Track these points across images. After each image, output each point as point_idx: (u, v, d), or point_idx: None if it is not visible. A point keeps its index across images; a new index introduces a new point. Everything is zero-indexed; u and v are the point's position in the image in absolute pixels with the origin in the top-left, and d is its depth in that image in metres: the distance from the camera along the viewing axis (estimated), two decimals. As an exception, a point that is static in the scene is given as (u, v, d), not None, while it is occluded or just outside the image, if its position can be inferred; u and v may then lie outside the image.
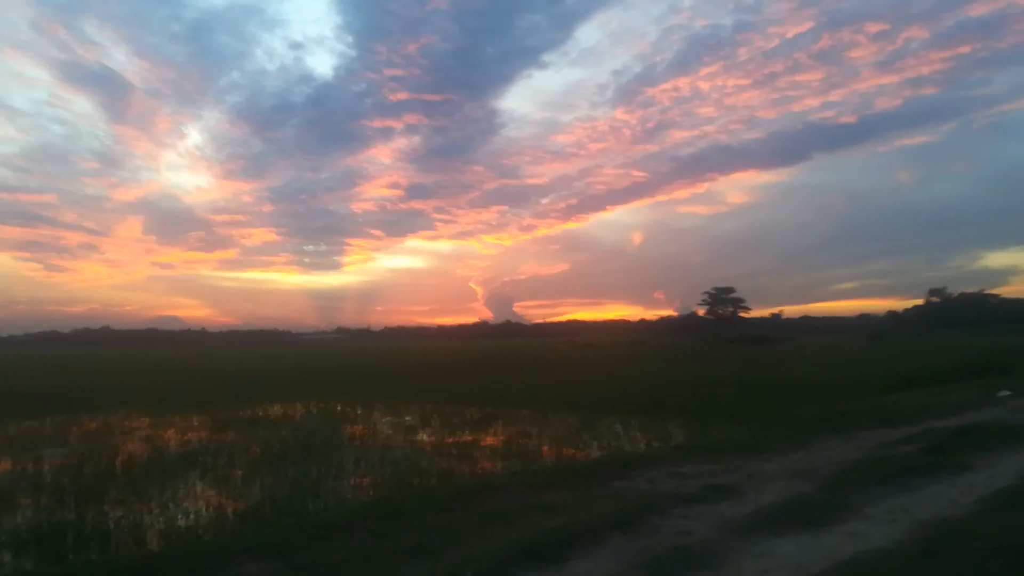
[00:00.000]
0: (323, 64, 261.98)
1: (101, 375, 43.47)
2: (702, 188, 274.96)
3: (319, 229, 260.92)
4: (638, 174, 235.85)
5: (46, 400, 25.39)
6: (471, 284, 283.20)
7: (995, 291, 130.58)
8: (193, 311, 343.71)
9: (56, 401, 24.84)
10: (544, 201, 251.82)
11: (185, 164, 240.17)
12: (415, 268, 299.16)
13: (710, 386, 26.49)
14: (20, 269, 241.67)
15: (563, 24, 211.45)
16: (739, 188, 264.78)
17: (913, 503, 7.66)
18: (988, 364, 30.35)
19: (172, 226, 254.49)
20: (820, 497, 7.99)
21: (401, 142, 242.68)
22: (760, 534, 6.53)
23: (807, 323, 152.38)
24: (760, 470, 9.65)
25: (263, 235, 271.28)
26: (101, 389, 30.71)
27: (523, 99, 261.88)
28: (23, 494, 10.60)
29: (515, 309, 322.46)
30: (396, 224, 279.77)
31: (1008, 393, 18.41)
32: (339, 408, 22.20)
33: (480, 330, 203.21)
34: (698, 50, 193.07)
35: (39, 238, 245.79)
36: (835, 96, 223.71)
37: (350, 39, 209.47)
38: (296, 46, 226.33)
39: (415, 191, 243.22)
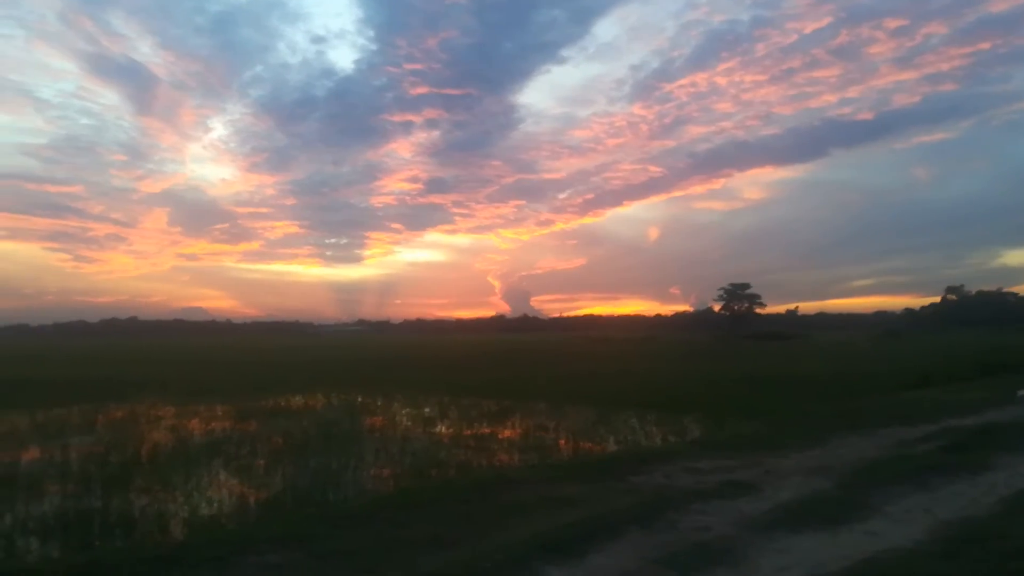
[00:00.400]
0: (344, 58, 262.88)
1: (128, 365, 43.98)
2: (719, 184, 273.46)
3: (340, 222, 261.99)
4: (655, 169, 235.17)
5: (74, 388, 25.71)
6: (489, 278, 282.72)
7: (1013, 289, 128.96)
8: (217, 302, 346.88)
9: (84, 390, 25.13)
10: (561, 196, 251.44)
11: (210, 156, 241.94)
12: (434, 262, 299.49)
13: (725, 382, 26.28)
14: (49, 260, 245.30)
15: (581, 19, 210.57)
16: (756, 184, 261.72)
17: (933, 502, 7.53)
18: (1006, 362, 29.90)
19: (197, 218, 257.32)
20: (838, 495, 7.88)
21: (421, 136, 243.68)
22: (778, 531, 6.45)
23: (823, 320, 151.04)
24: (777, 466, 9.54)
25: (286, 228, 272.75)
26: (128, 378, 31.05)
27: (541, 94, 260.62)
28: (51, 481, 10.71)
29: (532, 303, 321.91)
30: (415, 218, 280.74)
31: (1027, 392, 18.08)
32: (359, 399, 22.27)
33: (497, 324, 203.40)
34: (716, 45, 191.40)
35: (67, 229, 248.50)
36: (853, 92, 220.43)
37: (371, 33, 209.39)
38: (318, 40, 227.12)
39: (434, 185, 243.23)
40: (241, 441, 14.11)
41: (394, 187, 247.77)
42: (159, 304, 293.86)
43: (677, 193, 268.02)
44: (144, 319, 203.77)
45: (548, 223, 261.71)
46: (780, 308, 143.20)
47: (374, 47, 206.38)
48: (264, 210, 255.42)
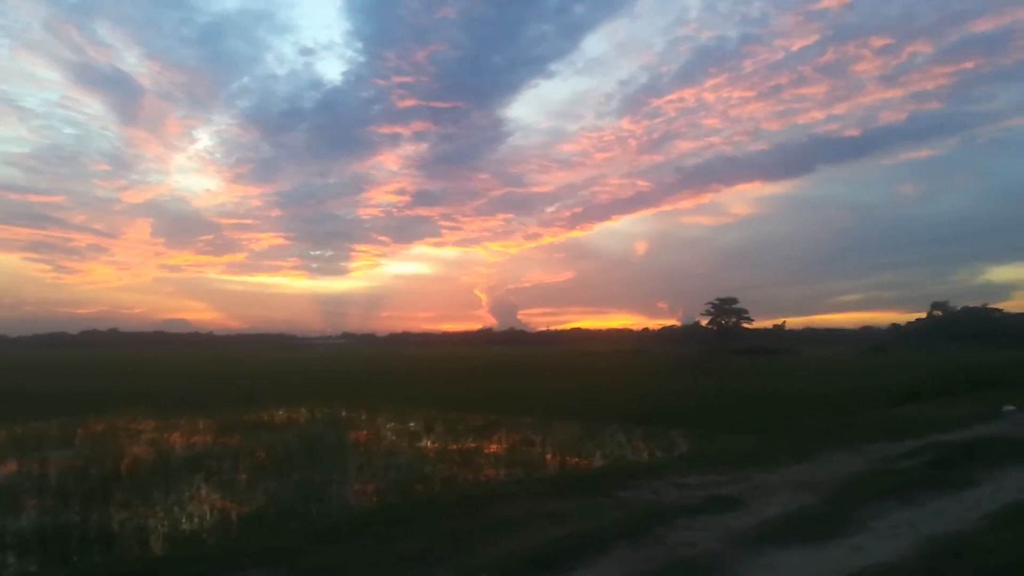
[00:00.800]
0: (332, 70, 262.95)
1: (108, 377, 43.54)
2: (706, 199, 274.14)
3: (326, 234, 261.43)
4: (643, 184, 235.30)
5: (53, 401, 25.43)
6: (476, 291, 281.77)
7: (998, 305, 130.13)
8: (201, 314, 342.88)
9: (63, 402, 24.86)
10: (549, 209, 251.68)
11: (194, 167, 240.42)
12: (421, 274, 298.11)
13: (713, 396, 26.38)
14: (29, 270, 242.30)
15: (570, 34, 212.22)
16: (743, 199, 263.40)
17: (919, 518, 7.58)
18: (992, 378, 30.18)
19: (181, 229, 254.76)
20: (825, 510, 7.92)
21: (408, 148, 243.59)
22: (765, 546, 6.47)
23: (810, 335, 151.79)
24: (764, 482, 9.58)
25: (271, 239, 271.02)
26: (108, 391, 30.74)
27: (530, 108, 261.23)
28: (28, 495, 10.59)
29: (519, 317, 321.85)
30: (402, 230, 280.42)
31: (1012, 408, 18.27)
32: (344, 413, 22.17)
33: (484, 337, 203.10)
34: (704, 62, 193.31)
35: (48, 239, 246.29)
36: (840, 109, 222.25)
37: (359, 45, 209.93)
38: (306, 51, 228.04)
39: (422, 198, 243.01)
40: (223, 455, 14.00)
41: (381, 199, 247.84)
42: (141, 316, 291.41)
43: (665, 208, 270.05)
44: (125, 331, 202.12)
45: (536, 236, 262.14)
46: (767, 323, 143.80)
47: (362, 59, 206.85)
48: (249, 221, 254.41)
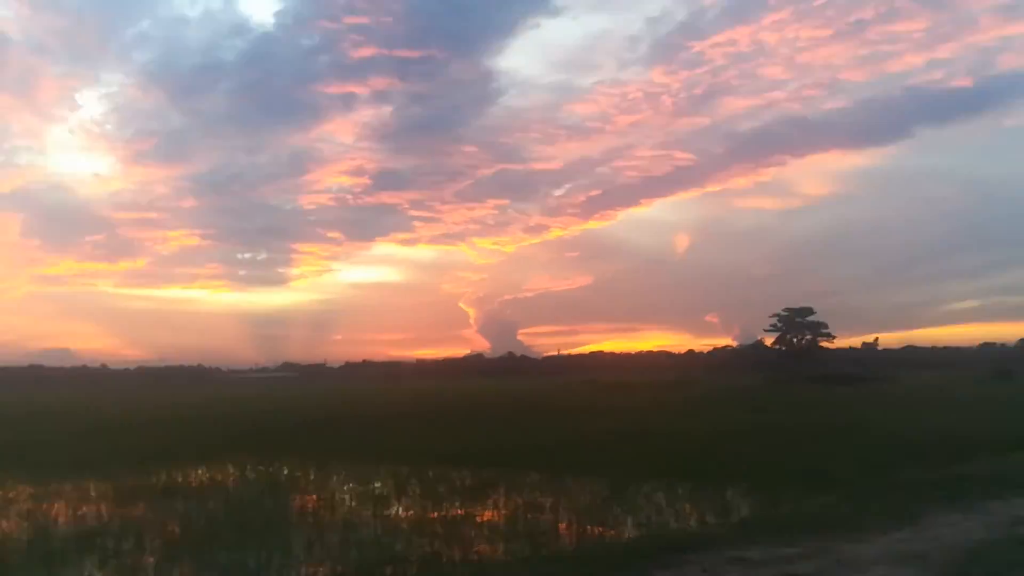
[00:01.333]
0: (262, 9, 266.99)
1: (-33, 428, 43.51)
2: (768, 175, 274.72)
3: (257, 231, 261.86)
4: (683, 156, 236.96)
5: None
6: (461, 304, 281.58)
7: None
8: (90, 341, 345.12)
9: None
10: (557, 193, 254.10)
11: (78, 143, 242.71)
12: (386, 283, 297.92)
13: (783, 440, 26.41)
14: None
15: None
16: (818, 175, 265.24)
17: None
18: None
19: (61, 227, 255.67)
20: (935, 592, 7.94)
21: (367, 114, 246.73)
22: (855, 643, 6.48)
23: (912, 355, 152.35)
24: (853, 555, 9.61)
25: (183, 239, 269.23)
26: (-33, 447, 30.72)
27: (528, 56, 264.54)
28: None
29: (520, 338, 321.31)
30: (360, 224, 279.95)
31: None
32: (285, 471, 22.20)
33: (474, 365, 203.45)
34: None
35: None
36: (945, 52, 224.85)
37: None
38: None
39: (386, 179, 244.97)
40: (123, 531, 14.00)
41: (331, 182, 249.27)
42: (9, 344, 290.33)
43: (712, 188, 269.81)
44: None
45: (540, 229, 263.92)
46: (854, 341, 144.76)
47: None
48: (153, 215, 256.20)
